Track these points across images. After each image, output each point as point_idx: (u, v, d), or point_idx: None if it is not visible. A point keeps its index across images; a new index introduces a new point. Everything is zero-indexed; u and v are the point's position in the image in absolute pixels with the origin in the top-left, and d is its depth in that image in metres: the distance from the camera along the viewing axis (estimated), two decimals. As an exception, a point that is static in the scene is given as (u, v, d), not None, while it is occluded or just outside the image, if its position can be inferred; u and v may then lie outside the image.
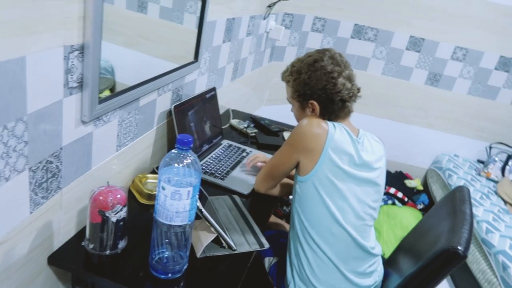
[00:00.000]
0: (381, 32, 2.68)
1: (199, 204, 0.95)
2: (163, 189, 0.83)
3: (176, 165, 0.83)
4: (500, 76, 2.71)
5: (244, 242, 1.08)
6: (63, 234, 0.95)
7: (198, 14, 1.35)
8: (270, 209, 1.30)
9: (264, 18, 2.06)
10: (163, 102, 1.29)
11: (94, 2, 0.79)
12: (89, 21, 0.80)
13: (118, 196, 0.87)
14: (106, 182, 0.91)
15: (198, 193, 1.07)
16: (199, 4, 1.34)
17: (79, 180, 0.95)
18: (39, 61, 0.72)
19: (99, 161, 1.02)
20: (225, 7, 1.57)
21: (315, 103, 1.15)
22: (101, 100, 0.91)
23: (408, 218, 2.51)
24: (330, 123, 1.11)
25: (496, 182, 2.71)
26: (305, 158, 1.11)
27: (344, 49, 2.72)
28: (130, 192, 1.21)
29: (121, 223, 0.89)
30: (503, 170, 2.74)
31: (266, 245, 1.10)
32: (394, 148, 2.91)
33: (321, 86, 1.13)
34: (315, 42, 2.67)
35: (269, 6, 2.04)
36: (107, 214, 0.86)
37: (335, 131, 1.10)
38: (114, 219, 0.87)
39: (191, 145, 0.83)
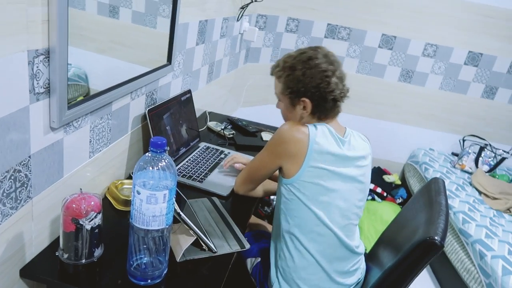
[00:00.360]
0: (354, 31, 2.72)
1: (176, 207, 0.93)
2: (138, 193, 0.81)
3: (150, 168, 0.82)
4: (469, 71, 2.79)
5: (224, 244, 1.07)
6: (36, 245, 0.92)
7: (170, 16, 1.33)
8: (250, 209, 1.30)
9: (238, 20, 2.06)
10: (137, 106, 1.27)
11: (58, 5, 0.77)
12: (54, 24, 0.78)
13: (92, 203, 0.85)
14: (79, 189, 0.88)
15: (176, 196, 1.06)
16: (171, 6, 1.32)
17: (50, 188, 0.92)
18: (0, 67, 0.69)
19: (72, 168, 0.99)
20: (197, 9, 1.56)
21: (307, 100, 1.14)
22: (71, 106, 0.89)
23: (387, 213, 2.55)
24: (310, 126, 1.11)
25: (470, 173, 2.78)
26: (287, 163, 1.11)
27: (318, 48, 2.75)
28: (106, 199, 1.18)
29: (96, 230, 0.87)
30: (476, 161, 2.82)
31: (247, 245, 1.09)
32: (371, 145, 2.94)
33: (315, 84, 1.12)
34: (289, 43, 2.69)
35: (242, 8, 2.04)
36: (81, 222, 0.83)
37: (317, 134, 1.10)
38: (88, 227, 0.84)
39: (166, 148, 0.82)
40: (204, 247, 1.03)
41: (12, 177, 0.79)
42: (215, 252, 1.03)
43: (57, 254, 0.89)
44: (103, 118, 1.08)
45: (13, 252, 0.85)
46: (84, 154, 1.03)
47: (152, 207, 0.82)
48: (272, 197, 2.46)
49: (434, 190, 1.24)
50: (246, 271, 1.40)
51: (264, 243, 1.44)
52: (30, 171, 0.83)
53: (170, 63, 1.39)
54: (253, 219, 1.58)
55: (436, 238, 0.99)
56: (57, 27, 0.78)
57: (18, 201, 0.82)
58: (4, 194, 0.78)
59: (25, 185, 0.83)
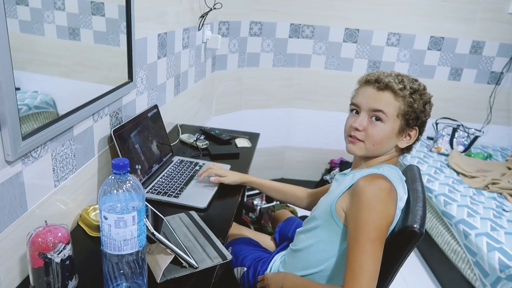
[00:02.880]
0: (318, 28, 2.73)
1: (150, 227, 0.90)
2: (106, 218, 0.78)
3: (115, 191, 0.79)
4: (434, 55, 2.85)
5: (205, 258, 1.05)
6: (6, 285, 0.88)
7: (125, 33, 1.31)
8: (229, 219, 1.27)
9: (199, 29, 2.04)
10: (101, 127, 1.23)
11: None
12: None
13: (59, 234, 0.81)
14: (44, 221, 0.84)
15: (152, 215, 1.03)
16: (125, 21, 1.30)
17: (15, 224, 0.88)
18: None
19: (36, 200, 0.95)
20: (154, 22, 1.53)
21: (417, 131, 1.10)
22: (26, 136, 0.85)
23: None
24: (389, 179, 1.03)
25: (446, 155, 2.83)
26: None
27: (284, 49, 2.76)
28: (79, 227, 1.14)
29: (67, 262, 0.83)
30: (451, 143, 2.87)
31: (229, 256, 1.06)
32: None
33: (427, 117, 1.10)
34: (255, 46, 2.69)
35: (202, 17, 2.02)
36: (49, 256, 0.80)
37: (398, 189, 1.05)
38: (58, 260, 0.81)
39: (128, 168, 0.79)
40: (184, 264, 1.00)
41: (-31, 218, 0.75)
42: (196, 268, 1.01)
43: (28, 292, 0.85)
44: (65, 145, 1.04)
45: (-20, 296, 0.81)
46: (48, 184, 0.99)
47: (122, 231, 0.79)
48: (256, 202, 2.44)
49: (410, 178, 1.25)
50: (235, 281, 1.38)
51: (249, 249, 1.42)
52: (-11, 209, 0.79)
53: (132, 80, 1.36)
54: (235, 227, 1.56)
55: (415, 226, 0.99)
56: (-1, 56, 0.75)
57: (-21, 242, 0.78)
58: (-38, 237, 0.74)
59: (-15, 225, 0.79)
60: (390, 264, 1.02)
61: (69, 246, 0.83)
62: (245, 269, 1.36)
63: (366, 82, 1.11)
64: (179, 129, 1.91)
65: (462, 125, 2.94)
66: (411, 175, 1.27)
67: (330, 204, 1.08)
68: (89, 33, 1.17)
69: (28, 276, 0.93)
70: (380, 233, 0.97)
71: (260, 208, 2.34)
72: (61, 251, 0.81)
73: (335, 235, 1.07)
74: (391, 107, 1.05)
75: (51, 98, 1.01)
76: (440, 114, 2.99)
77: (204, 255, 1.06)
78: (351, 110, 1.14)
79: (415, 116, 1.07)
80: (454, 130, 2.89)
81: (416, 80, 1.10)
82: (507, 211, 2.17)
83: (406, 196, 1.12)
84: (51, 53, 1.03)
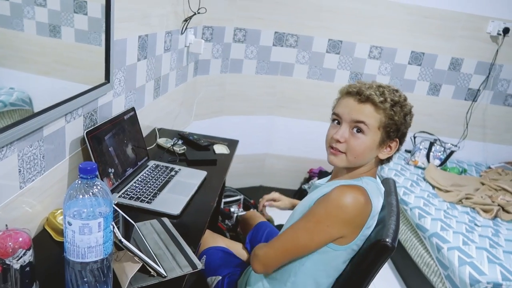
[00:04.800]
0: (302, 38, 2.75)
1: (118, 233, 0.88)
2: (70, 224, 0.75)
3: (81, 196, 0.76)
4: (414, 70, 2.90)
5: (175, 267, 1.02)
6: (-39, 291, 0.83)
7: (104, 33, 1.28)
8: (202, 227, 1.25)
9: (182, 33, 2.02)
10: (74, 129, 1.20)
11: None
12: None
13: (20, 239, 0.78)
14: (5, 225, 0.81)
15: (117, 221, 1.00)
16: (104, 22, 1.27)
17: (-26, 227, 0.84)
18: None
19: (1, 201, 0.91)
20: (136, 24, 1.51)
21: (397, 143, 1.11)
22: (-10, 134, 0.82)
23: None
24: (367, 194, 1.05)
25: (423, 168, 2.87)
26: (349, 233, 1.04)
27: (268, 57, 2.76)
28: (45, 231, 1.10)
29: (27, 268, 0.80)
30: (428, 156, 2.91)
31: (199, 265, 1.04)
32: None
33: (408, 129, 1.11)
34: (238, 53, 2.68)
35: (185, 21, 2.00)
36: (7, 262, 0.76)
37: (373, 198, 1.06)
38: (17, 266, 0.77)
39: (96, 173, 0.76)
40: (152, 273, 0.97)
41: None
42: (165, 277, 0.98)
43: (-15, 299, 0.81)
44: (33, 145, 1.01)
45: None
46: (13, 186, 0.96)
47: (87, 237, 0.76)
48: (233, 209, 2.42)
49: (385, 191, 1.25)
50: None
51: (223, 258, 1.40)
52: None
53: (109, 81, 1.33)
54: (209, 234, 1.53)
55: (387, 240, 0.99)
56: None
57: None
58: None
59: None
60: (362, 276, 1.02)
61: (30, 252, 0.80)
62: (219, 278, 1.34)
63: (348, 93, 1.11)
64: (157, 133, 1.88)
65: (439, 140, 2.99)
66: (387, 188, 1.27)
67: (305, 211, 1.08)
68: (70, 31, 1.15)
69: (-14, 282, 0.89)
70: (318, 230, 1.02)
71: (237, 216, 2.32)
72: (21, 257, 0.77)
73: None
74: (372, 119, 1.06)
75: (28, 96, 0.98)
76: (418, 128, 3.04)
77: (174, 264, 1.03)
78: (333, 120, 1.14)
79: (395, 128, 1.08)
80: (431, 144, 2.94)
81: (397, 91, 1.11)
82: (479, 226, 2.20)
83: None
84: (30, 49, 1.01)
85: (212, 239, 1.50)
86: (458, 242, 1.98)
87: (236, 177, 2.95)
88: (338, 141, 1.09)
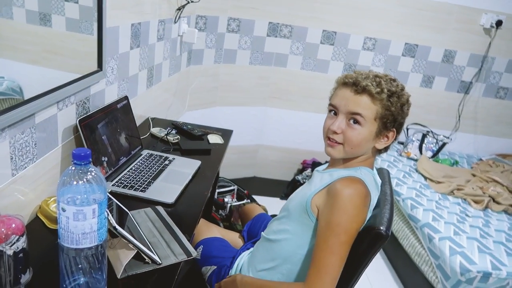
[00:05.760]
0: (296, 29, 2.74)
1: (112, 220, 0.87)
2: (64, 210, 0.75)
3: (75, 182, 0.75)
4: (407, 62, 2.91)
5: (170, 254, 1.02)
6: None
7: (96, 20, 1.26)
8: (197, 215, 1.25)
9: (175, 22, 2.00)
10: (67, 116, 1.19)
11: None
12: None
13: (13, 225, 0.77)
14: (-3, 211, 0.80)
15: (111, 209, 0.99)
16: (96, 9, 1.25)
17: (-35, 213, 0.83)
18: None
19: (-9, 189, 0.90)
20: (128, 11, 1.49)
21: (394, 133, 1.11)
22: (-19, 120, 0.81)
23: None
24: (367, 186, 1.05)
25: (416, 160, 2.89)
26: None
27: (262, 47, 2.75)
28: (38, 219, 1.09)
29: (21, 255, 0.79)
30: (420, 148, 2.94)
31: (194, 253, 1.04)
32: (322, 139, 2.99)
33: (405, 119, 1.10)
34: (232, 43, 2.66)
35: (179, 9, 1.98)
36: (0, 248, 0.75)
37: (372, 191, 1.07)
38: (10, 252, 0.76)
39: (90, 159, 0.76)
40: (147, 260, 0.97)
41: None
42: (159, 264, 0.98)
43: (-23, 286, 0.80)
44: (25, 132, 0.99)
45: None
46: (5, 173, 0.94)
47: (81, 224, 0.75)
48: (227, 199, 2.42)
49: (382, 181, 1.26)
50: (203, 281, 1.36)
51: (218, 248, 1.40)
52: None
53: (101, 69, 1.31)
54: (204, 224, 1.53)
55: (381, 228, 1.00)
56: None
57: None
58: None
59: None
60: (356, 264, 1.03)
61: (23, 238, 0.79)
62: (214, 267, 1.34)
63: (344, 84, 1.11)
64: (150, 122, 1.86)
65: (432, 132, 3.01)
66: (381, 178, 1.28)
67: (306, 199, 1.09)
68: (61, 19, 1.13)
69: (-22, 269, 0.88)
70: (350, 237, 0.99)
71: (231, 206, 2.32)
72: (14, 243, 0.77)
73: (307, 229, 1.08)
74: (368, 110, 1.05)
75: (18, 85, 0.97)
76: (411, 120, 3.06)
77: (169, 251, 1.03)
78: (330, 111, 1.14)
79: (392, 118, 1.08)
80: (424, 136, 2.96)
81: (394, 81, 1.11)
82: (470, 217, 2.23)
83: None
84: (19, 38, 0.99)
85: (207, 229, 1.50)
86: (449, 232, 2.01)
87: (230, 167, 2.94)
88: (335, 132, 1.09)
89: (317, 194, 1.08)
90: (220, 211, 2.31)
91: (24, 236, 0.79)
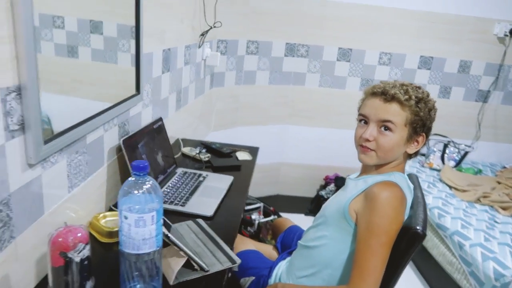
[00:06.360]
0: (312, 48, 2.83)
1: (164, 229, 0.93)
2: (126, 218, 0.81)
3: (135, 192, 0.82)
4: (423, 74, 2.96)
5: (215, 262, 1.07)
6: (24, 286, 0.89)
7: (134, 46, 1.36)
8: (236, 226, 1.30)
9: (199, 47, 2.11)
10: (111, 137, 1.27)
11: (25, 41, 0.78)
12: (23, 60, 0.79)
13: (79, 234, 0.84)
14: (63, 223, 0.87)
15: (162, 219, 1.05)
16: (134, 36, 1.35)
17: (33, 226, 0.90)
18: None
19: (52, 204, 0.97)
20: (158, 38, 1.59)
21: (424, 137, 1.16)
22: (46, 141, 0.89)
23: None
24: (401, 188, 1.09)
25: (438, 170, 2.90)
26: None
27: (280, 67, 2.84)
28: (89, 234, 1.15)
29: (86, 262, 0.85)
30: (442, 158, 2.95)
31: (238, 260, 1.09)
32: (343, 154, 3.03)
33: (432, 123, 1.16)
34: (252, 64, 2.76)
35: (202, 35, 2.09)
36: (69, 255, 0.82)
37: (407, 195, 1.11)
38: (77, 259, 0.83)
39: (148, 170, 0.82)
40: (196, 267, 1.02)
41: (-7, 218, 0.77)
42: (207, 271, 1.03)
43: (46, 293, 0.86)
44: (79, 152, 1.07)
45: (-1, 296, 0.82)
46: (63, 189, 1.02)
47: (142, 230, 0.82)
48: (254, 216, 2.46)
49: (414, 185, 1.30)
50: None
51: (255, 260, 1.44)
52: (11, 210, 0.82)
53: (139, 92, 1.40)
54: (240, 239, 1.58)
55: (418, 227, 1.04)
56: (26, 62, 0.79)
57: (1, 241, 0.80)
58: (-14, 236, 0.76)
59: (7, 225, 0.81)
60: (396, 265, 1.06)
61: (88, 246, 0.85)
62: (253, 278, 1.38)
63: (373, 94, 1.17)
64: (181, 142, 1.94)
65: (453, 141, 3.03)
66: (412, 182, 1.32)
67: (344, 205, 1.13)
68: (87, 50, 1.21)
69: (42, 280, 0.95)
70: (390, 238, 1.03)
71: (259, 223, 2.36)
72: (81, 250, 0.83)
73: (346, 235, 1.12)
74: (399, 117, 1.11)
75: (46, 116, 0.98)
76: (431, 130, 3.07)
77: (214, 260, 1.08)
78: (360, 121, 1.20)
79: (421, 123, 1.13)
80: (445, 146, 2.98)
81: (420, 88, 1.17)
82: (499, 223, 2.22)
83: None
84: (48, 69, 1.05)
85: (241, 242, 1.55)
86: (479, 239, 2.01)
87: (253, 186, 2.98)
88: (367, 140, 1.14)
89: (354, 200, 1.12)
90: (248, 227, 2.35)
91: (89, 245, 0.86)
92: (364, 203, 1.09)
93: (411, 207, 1.15)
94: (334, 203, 1.19)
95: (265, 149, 2.99)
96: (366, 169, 1.23)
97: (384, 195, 1.04)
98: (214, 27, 2.13)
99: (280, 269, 1.34)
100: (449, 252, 2.13)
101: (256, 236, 2.30)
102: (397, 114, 1.11)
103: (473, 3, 2.77)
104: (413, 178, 1.34)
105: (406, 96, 1.11)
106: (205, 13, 2.08)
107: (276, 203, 3.09)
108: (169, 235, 0.94)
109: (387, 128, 1.12)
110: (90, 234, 1.15)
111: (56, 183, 0.98)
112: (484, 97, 3.05)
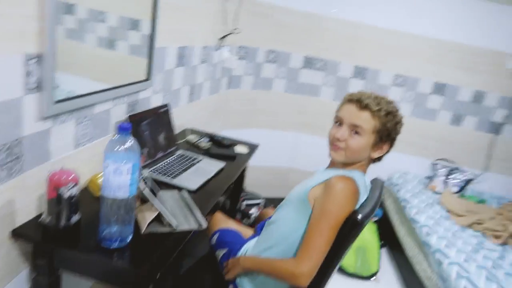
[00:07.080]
0: (329, 63, 2.99)
1: (141, 184, 1.13)
2: (107, 167, 1.02)
3: (118, 147, 1.03)
4: (436, 100, 3.04)
5: (184, 223, 1.26)
6: (25, 214, 1.12)
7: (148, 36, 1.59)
8: (213, 201, 1.49)
9: (217, 49, 2.33)
10: (119, 112, 1.50)
11: (50, 20, 1.01)
12: (45, 35, 1.02)
13: (71, 176, 1.06)
14: (61, 167, 1.09)
15: (145, 182, 1.26)
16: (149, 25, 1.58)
17: (39, 167, 1.13)
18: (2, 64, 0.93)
19: (57, 155, 1.21)
20: (176, 37, 1.82)
21: (388, 146, 1.32)
22: (58, 101, 1.12)
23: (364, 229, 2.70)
24: (356, 185, 1.23)
25: (440, 194, 2.95)
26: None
27: (296, 77, 3.02)
28: (86, 190, 1.37)
29: (73, 199, 1.07)
30: (446, 183, 3.00)
31: (204, 224, 1.27)
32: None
33: (398, 135, 1.34)
34: (269, 72, 2.96)
35: (221, 38, 2.31)
36: (61, 190, 1.03)
37: (361, 190, 1.25)
38: (67, 195, 1.04)
39: (130, 130, 1.03)
40: (165, 223, 1.21)
41: (8, 151, 1.00)
42: (175, 229, 1.22)
43: (40, 220, 1.08)
44: (87, 117, 1.31)
45: (5, 213, 1.05)
46: (70, 144, 1.25)
47: (118, 178, 1.02)
48: (251, 211, 2.63)
49: (372, 187, 1.43)
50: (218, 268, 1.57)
51: (232, 237, 1.61)
52: (23, 149, 1.05)
53: (149, 79, 1.63)
54: (224, 219, 1.75)
55: (358, 216, 1.18)
56: (48, 37, 1.03)
57: (12, 171, 1.03)
58: (1, 163, 0.99)
59: (18, 159, 1.04)
60: (337, 247, 1.20)
61: (76, 187, 1.07)
62: (225, 250, 1.55)
63: (350, 100, 1.34)
64: (188, 131, 2.16)
65: (459, 168, 3.07)
66: (374, 185, 1.45)
67: (305, 190, 1.31)
68: (124, 44, 1.46)
69: (41, 213, 1.17)
70: (337, 223, 1.19)
71: (254, 217, 2.53)
72: (70, 188, 1.05)
73: (302, 216, 1.28)
74: (368, 124, 1.27)
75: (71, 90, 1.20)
76: (439, 155, 3.14)
77: (184, 221, 1.27)
78: (335, 122, 1.37)
79: (387, 133, 1.30)
80: (450, 171, 3.03)
81: (391, 103, 1.33)
82: (485, 249, 2.26)
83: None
84: (88, 58, 1.28)
85: (224, 221, 1.72)
86: (459, 259, 2.07)
87: (263, 187, 3.15)
88: (338, 140, 1.31)
89: (315, 187, 1.29)
90: (245, 219, 2.52)
91: (77, 186, 1.07)
92: (322, 191, 1.25)
93: (363, 204, 1.29)
94: (299, 187, 1.36)
95: (276, 152, 3.16)
96: (333, 165, 1.39)
97: (339, 186, 1.21)
98: (233, 33, 2.35)
99: (249, 245, 1.51)
100: (429, 268, 2.20)
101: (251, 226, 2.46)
102: (367, 121, 1.28)
103: (488, 35, 2.84)
104: (377, 181, 1.47)
105: (378, 107, 1.28)
106: (226, 19, 2.30)
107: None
108: (142, 190, 1.14)
109: (357, 132, 1.29)
110: (88, 191, 1.37)
111: (64, 139, 1.21)
112: (496, 129, 3.09)
